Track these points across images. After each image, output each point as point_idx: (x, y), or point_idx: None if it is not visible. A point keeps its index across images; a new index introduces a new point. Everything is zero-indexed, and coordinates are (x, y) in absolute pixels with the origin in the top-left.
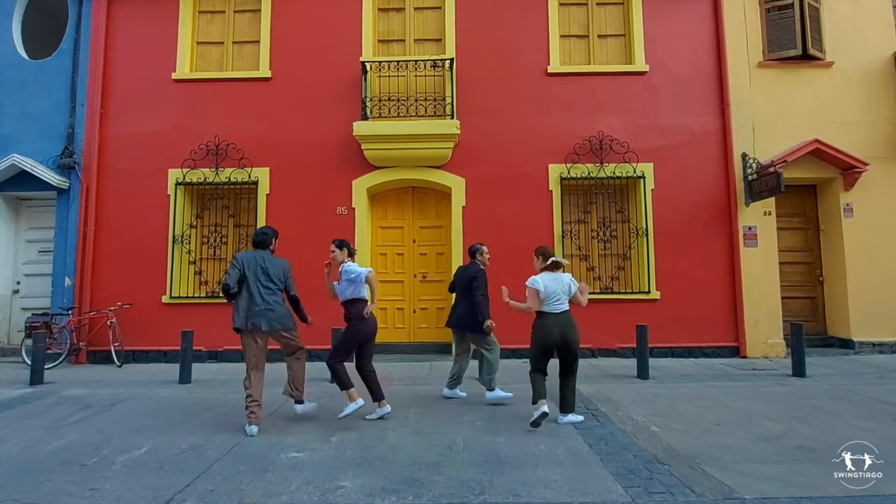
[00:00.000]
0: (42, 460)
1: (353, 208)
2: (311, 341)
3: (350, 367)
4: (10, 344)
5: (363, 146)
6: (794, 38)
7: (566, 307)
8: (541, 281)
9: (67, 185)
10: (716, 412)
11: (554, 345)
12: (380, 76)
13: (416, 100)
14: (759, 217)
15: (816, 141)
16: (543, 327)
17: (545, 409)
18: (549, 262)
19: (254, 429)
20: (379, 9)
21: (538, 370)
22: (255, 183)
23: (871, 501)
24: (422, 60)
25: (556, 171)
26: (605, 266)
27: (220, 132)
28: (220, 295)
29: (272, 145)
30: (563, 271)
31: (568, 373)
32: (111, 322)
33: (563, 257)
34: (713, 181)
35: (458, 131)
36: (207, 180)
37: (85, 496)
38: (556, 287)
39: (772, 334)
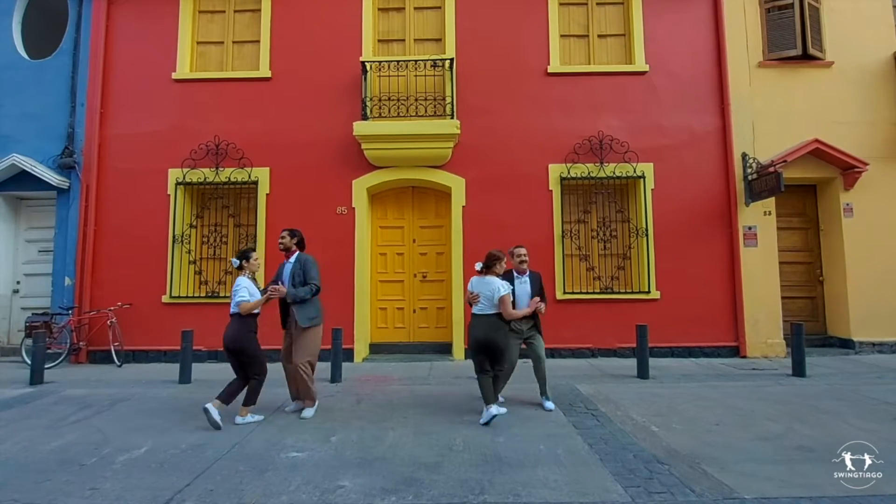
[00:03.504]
0: (42, 460)
1: (353, 208)
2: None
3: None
4: (10, 344)
5: (363, 146)
6: (794, 38)
7: (489, 311)
8: (472, 281)
9: (67, 184)
10: (715, 412)
11: (479, 345)
12: (380, 76)
13: (416, 100)
14: (759, 217)
15: (816, 141)
16: (471, 327)
17: (494, 411)
18: (478, 267)
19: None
20: (379, 9)
21: (481, 371)
22: (255, 183)
23: (871, 501)
24: (422, 60)
25: (556, 170)
26: (605, 266)
27: (220, 132)
28: (216, 294)
29: (272, 145)
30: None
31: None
32: (111, 322)
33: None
34: (713, 181)
35: (458, 131)
36: (207, 180)
37: (85, 496)
38: (481, 290)
39: (772, 334)
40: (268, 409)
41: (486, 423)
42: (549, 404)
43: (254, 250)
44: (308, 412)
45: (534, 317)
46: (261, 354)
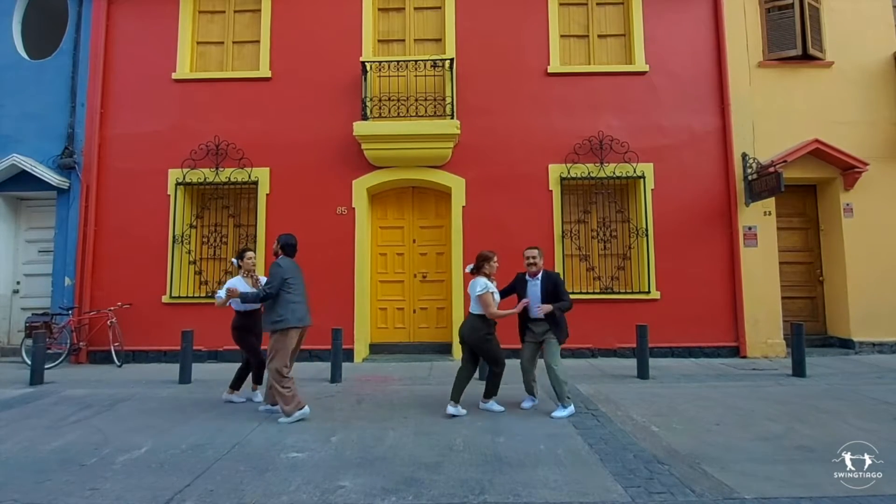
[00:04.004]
0: (42, 460)
1: (353, 208)
2: (315, 341)
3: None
4: (10, 344)
5: (363, 146)
6: (794, 38)
7: (475, 311)
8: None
9: (67, 185)
10: (716, 412)
11: (460, 341)
12: (380, 76)
13: (416, 100)
14: (759, 217)
15: (816, 141)
16: None
17: (450, 410)
18: (469, 269)
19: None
20: (379, 9)
21: (461, 366)
22: (255, 183)
23: (871, 501)
24: (422, 60)
25: (556, 171)
26: (605, 266)
27: (220, 132)
28: (216, 294)
29: (272, 145)
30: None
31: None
32: (111, 322)
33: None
34: (713, 181)
35: (458, 131)
36: (207, 180)
37: (85, 496)
38: (471, 291)
39: (772, 334)
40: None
41: (451, 416)
42: (558, 413)
43: (250, 249)
44: (282, 419)
45: (550, 319)
46: (250, 344)
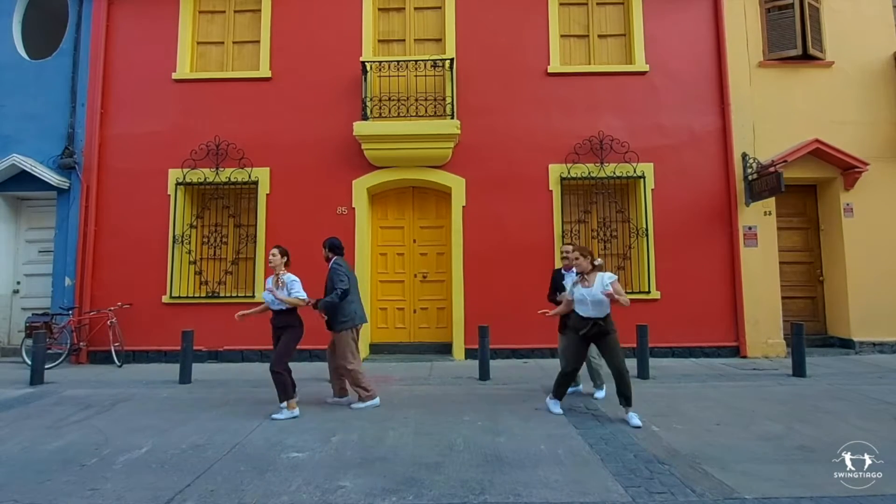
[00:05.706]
0: (42, 460)
1: (354, 208)
2: (315, 341)
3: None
4: (10, 344)
5: (363, 146)
6: (794, 38)
7: (595, 306)
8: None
9: (67, 185)
10: (716, 412)
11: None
12: (380, 76)
13: (417, 100)
14: (759, 217)
15: (816, 141)
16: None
17: (551, 406)
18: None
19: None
20: (379, 9)
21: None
22: (255, 183)
23: (871, 501)
24: (422, 60)
25: (556, 170)
26: (605, 266)
27: (220, 132)
28: (216, 294)
29: (272, 145)
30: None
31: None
32: (111, 322)
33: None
34: (713, 181)
35: (459, 131)
36: (207, 180)
37: (85, 496)
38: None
39: (772, 334)
40: (266, 410)
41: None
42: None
43: (276, 246)
44: (357, 405)
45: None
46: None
